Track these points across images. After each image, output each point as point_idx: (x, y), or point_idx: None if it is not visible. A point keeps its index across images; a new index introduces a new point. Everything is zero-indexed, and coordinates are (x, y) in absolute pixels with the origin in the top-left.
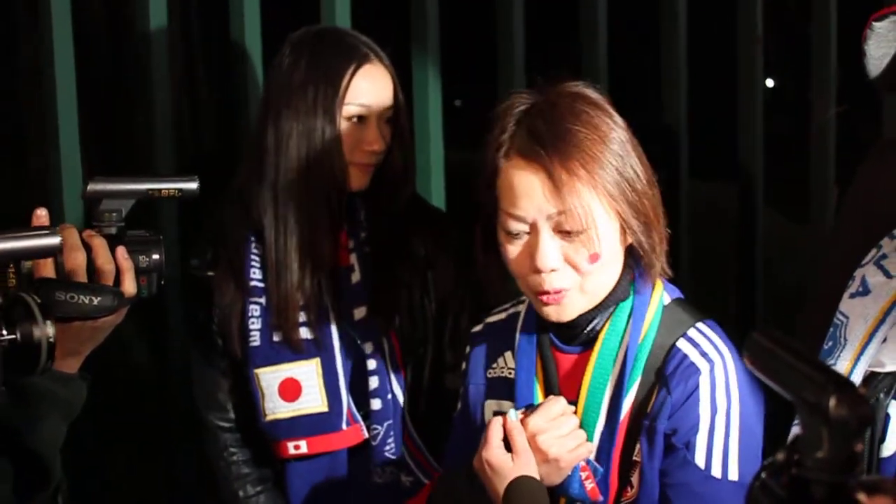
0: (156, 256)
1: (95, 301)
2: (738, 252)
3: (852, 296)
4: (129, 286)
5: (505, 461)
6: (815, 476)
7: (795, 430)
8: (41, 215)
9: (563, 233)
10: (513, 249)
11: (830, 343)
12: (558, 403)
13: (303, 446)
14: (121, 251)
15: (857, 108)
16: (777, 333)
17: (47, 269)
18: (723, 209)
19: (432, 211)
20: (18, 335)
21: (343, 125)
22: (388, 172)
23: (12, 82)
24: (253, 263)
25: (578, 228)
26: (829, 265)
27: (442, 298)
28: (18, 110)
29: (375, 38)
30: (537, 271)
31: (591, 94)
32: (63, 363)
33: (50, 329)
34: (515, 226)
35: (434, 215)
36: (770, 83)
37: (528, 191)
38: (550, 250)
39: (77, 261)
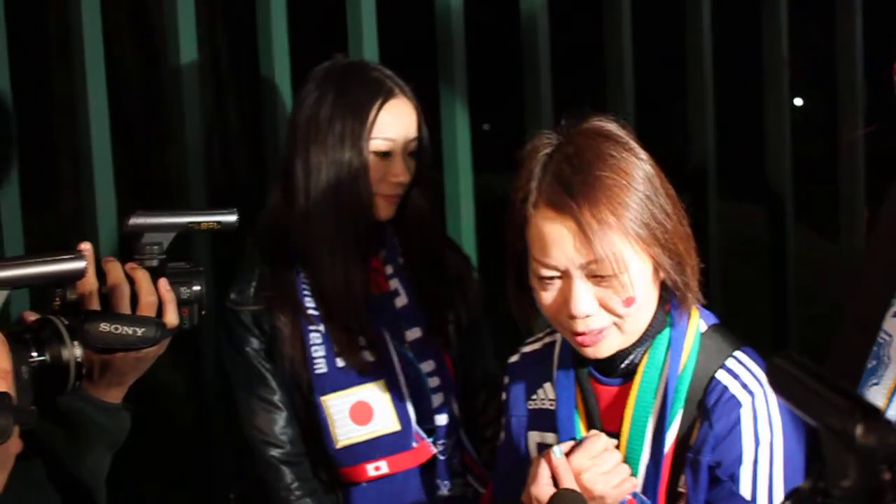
0: (197, 288)
1: (139, 332)
2: (769, 273)
3: None
4: (172, 317)
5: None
6: None
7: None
8: (85, 248)
9: (597, 278)
10: (546, 295)
11: (874, 362)
12: (600, 440)
13: (383, 467)
14: (163, 283)
15: (887, 126)
16: (800, 357)
17: (92, 301)
18: (752, 231)
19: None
20: (48, 357)
21: (369, 158)
22: (414, 202)
23: (45, 121)
24: (305, 292)
25: (610, 274)
26: (865, 285)
27: (469, 308)
28: (52, 150)
29: (402, 69)
30: (573, 317)
31: (615, 131)
32: (107, 393)
33: (78, 350)
34: (548, 273)
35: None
36: (799, 102)
37: (559, 240)
38: (584, 297)
39: (121, 293)
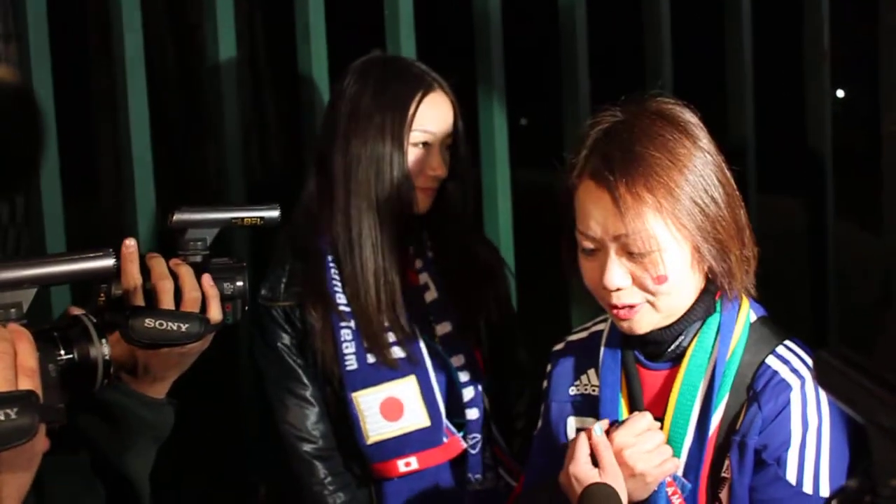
0: (240, 283)
1: (184, 328)
2: (810, 267)
3: None
4: (216, 313)
5: (592, 476)
6: None
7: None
8: (129, 245)
9: (630, 254)
10: (587, 266)
11: None
12: (644, 419)
13: (413, 462)
14: (206, 279)
15: None
16: (848, 351)
17: (137, 298)
18: (793, 224)
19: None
20: (76, 355)
21: (409, 151)
22: (448, 196)
23: (84, 117)
24: (336, 288)
25: (642, 251)
26: None
27: (500, 302)
28: (91, 147)
29: (439, 62)
30: (606, 289)
31: (678, 113)
32: (151, 388)
33: (105, 348)
34: (588, 244)
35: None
36: (840, 94)
37: (596, 212)
38: (616, 271)
39: (165, 288)
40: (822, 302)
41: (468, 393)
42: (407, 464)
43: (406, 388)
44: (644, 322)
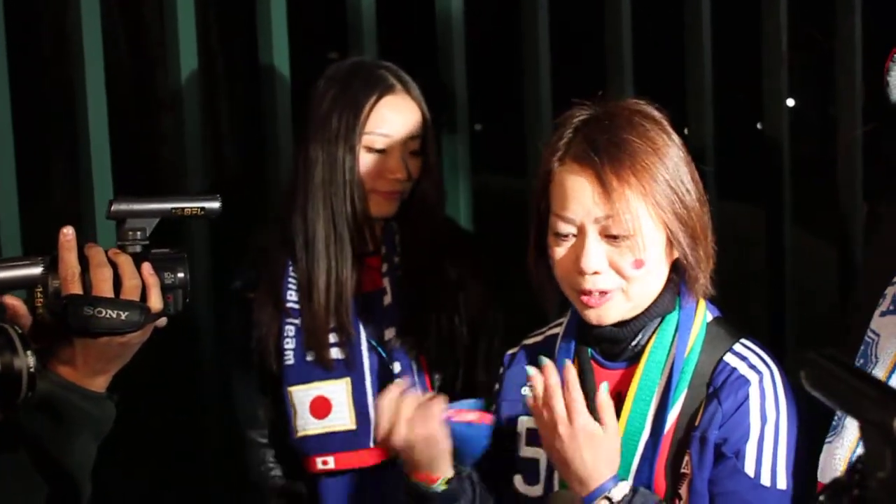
0: (181, 274)
1: (123, 316)
2: (767, 273)
3: (883, 314)
4: (156, 302)
5: (597, 428)
6: (879, 497)
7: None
8: (67, 233)
9: (610, 237)
10: (560, 251)
11: (861, 361)
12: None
13: (330, 462)
14: (146, 267)
15: (884, 126)
16: (836, 353)
17: (74, 285)
18: (748, 230)
19: (463, 234)
20: None
21: (364, 154)
22: (418, 201)
23: (38, 118)
24: (290, 286)
25: (624, 233)
26: (867, 285)
27: (473, 320)
28: (46, 146)
29: (401, 66)
30: (581, 273)
31: (652, 111)
32: (91, 382)
33: (31, 360)
34: (564, 227)
35: (465, 239)
36: (790, 103)
37: (578, 194)
38: (595, 253)
39: (103, 276)
40: (778, 308)
41: None
42: (324, 462)
43: (337, 389)
44: (612, 311)
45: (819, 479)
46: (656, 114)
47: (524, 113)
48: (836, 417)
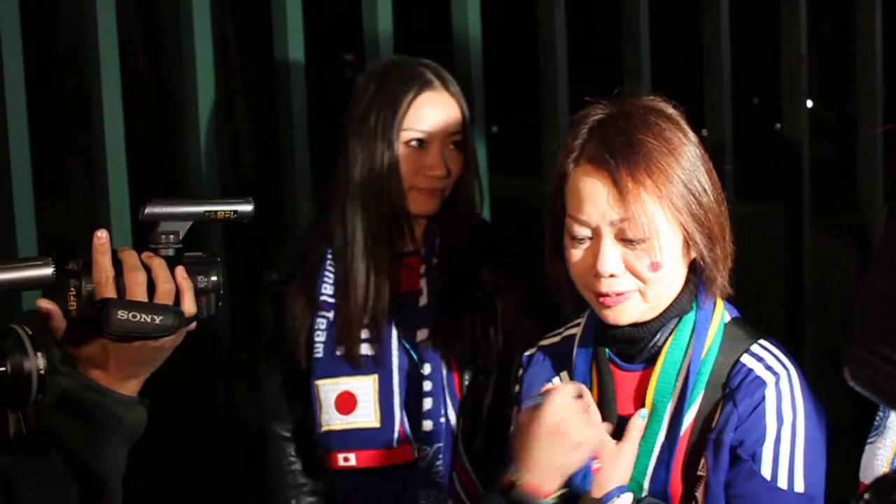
0: (214, 277)
1: (157, 320)
2: (786, 273)
3: None
4: (189, 306)
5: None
6: None
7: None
8: (101, 237)
9: (626, 241)
10: (576, 253)
11: None
12: (566, 388)
13: (352, 459)
14: (180, 271)
15: None
16: (881, 349)
17: (108, 289)
18: (768, 231)
19: (504, 240)
20: (9, 367)
21: (403, 150)
22: (457, 199)
23: (55, 119)
24: (326, 279)
25: (640, 237)
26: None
27: (508, 328)
28: (62, 149)
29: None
30: (598, 275)
31: (667, 108)
32: (123, 386)
33: (41, 361)
34: (580, 230)
35: (506, 245)
36: (809, 104)
37: (594, 197)
38: (611, 256)
39: (137, 280)
40: (797, 307)
41: (427, 403)
42: (346, 458)
43: (363, 386)
44: (629, 312)
45: (861, 479)
46: (672, 112)
47: (541, 114)
48: (877, 417)
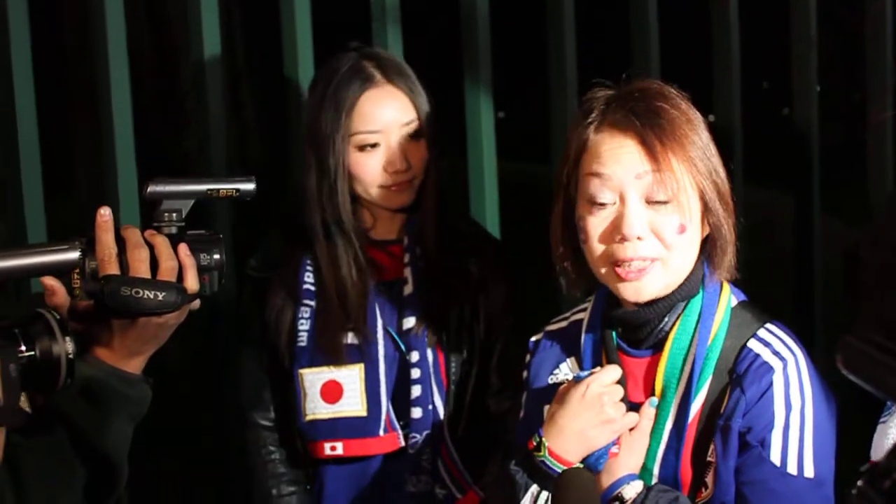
0: (216, 255)
1: (160, 296)
2: (795, 259)
3: None
4: (192, 283)
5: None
6: None
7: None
8: (104, 214)
9: (653, 203)
10: (595, 221)
11: None
12: (614, 371)
13: (339, 448)
14: (183, 248)
15: None
16: (874, 336)
17: (112, 266)
18: (777, 217)
19: (488, 236)
20: (37, 352)
21: (359, 154)
22: (426, 186)
23: (62, 111)
24: (307, 268)
25: (669, 196)
26: None
27: (490, 322)
28: (70, 140)
29: (422, 57)
30: (622, 240)
31: (678, 92)
32: (128, 363)
33: (70, 345)
34: (603, 194)
35: (489, 240)
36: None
37: (620, 154)
38: (639, 216)
39: (140, 257)
40: (807, 295)
41: (415, 391)
42: (332, 448)
43: (349, 375)
44: (650, 285)
45: (872, 459)
46: (681, 94)
47: (549, 101)
48: None
